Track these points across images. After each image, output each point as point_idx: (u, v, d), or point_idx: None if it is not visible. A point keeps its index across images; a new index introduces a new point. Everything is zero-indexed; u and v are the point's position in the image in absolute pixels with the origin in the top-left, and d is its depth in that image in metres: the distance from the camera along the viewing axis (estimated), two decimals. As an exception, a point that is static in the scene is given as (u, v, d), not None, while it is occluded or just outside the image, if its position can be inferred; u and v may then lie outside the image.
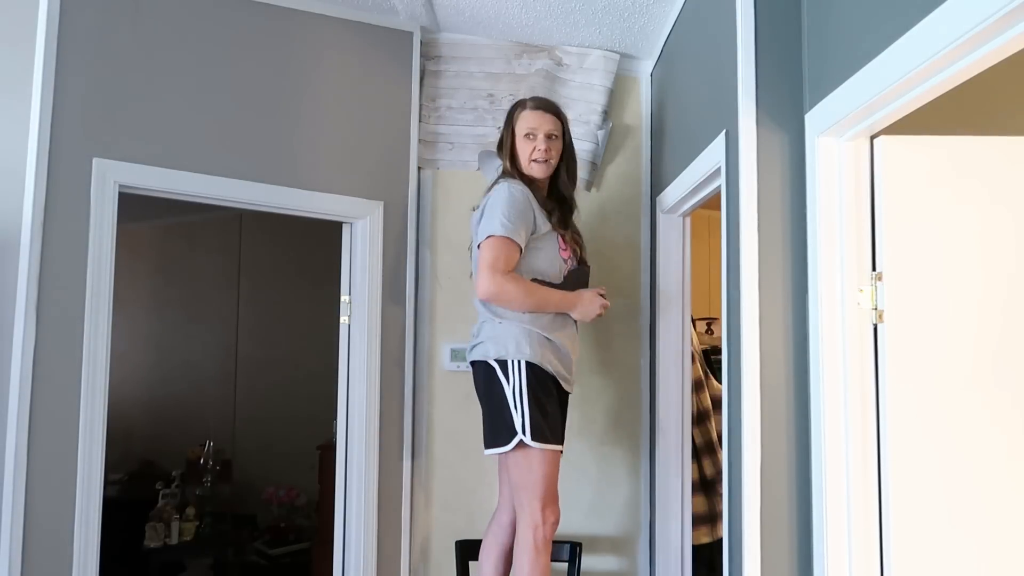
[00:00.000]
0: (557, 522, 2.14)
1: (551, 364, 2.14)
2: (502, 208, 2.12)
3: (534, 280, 2.16)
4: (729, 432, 1.88)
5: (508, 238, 2.10)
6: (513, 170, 2.27)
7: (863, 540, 1.56)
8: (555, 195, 2.33)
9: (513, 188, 2.18)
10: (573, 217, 2.38)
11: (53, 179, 2.07)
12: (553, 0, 2.50)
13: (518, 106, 2.31)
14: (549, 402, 2.13)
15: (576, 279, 2.26)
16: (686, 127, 2.45)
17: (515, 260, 2.13)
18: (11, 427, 1.98)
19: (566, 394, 2.25)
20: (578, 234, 2.37)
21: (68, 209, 2.10)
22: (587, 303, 2.22)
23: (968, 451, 1.53)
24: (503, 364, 2.12)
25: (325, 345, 3.04)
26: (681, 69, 2.53)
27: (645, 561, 2.82)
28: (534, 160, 2.24)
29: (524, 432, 2.06)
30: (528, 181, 2.25)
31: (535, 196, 2.22)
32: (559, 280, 2.21)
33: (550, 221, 2.22)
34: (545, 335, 2.15)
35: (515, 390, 2.10)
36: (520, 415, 2.08)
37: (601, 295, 2.26)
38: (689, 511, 2.74)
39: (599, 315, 2.25)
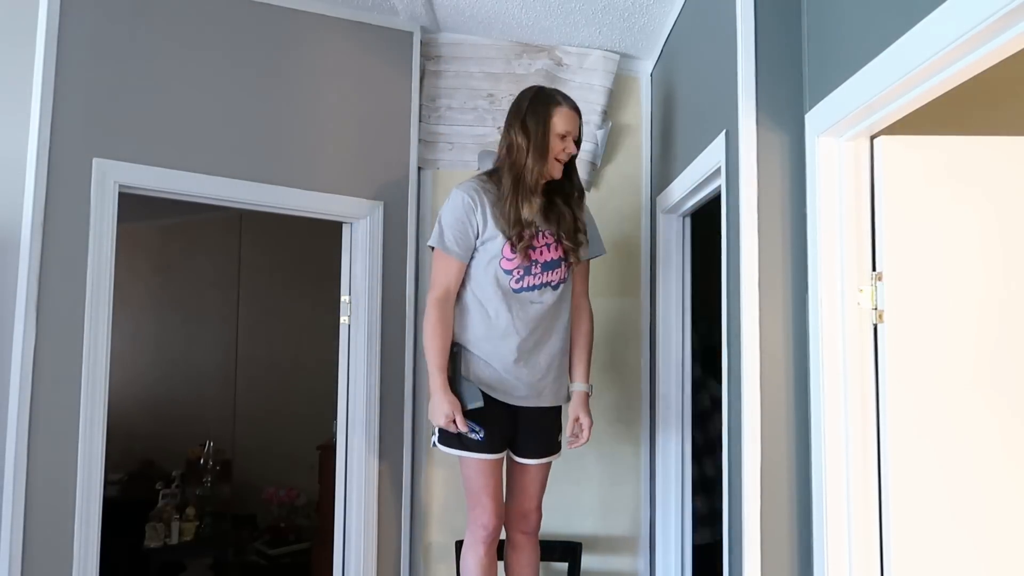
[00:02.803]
0: (486, 528, 2.16)
1: (477, 377, 2.15)
2: (442, 216, 2.19)
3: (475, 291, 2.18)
4: (729, 432, 1.88)
5: (439, 249, 2.18)
6: (533, 163, 2.15)
7: (863, 540, 1.56)
8: (551, 189, 2.23)
9: (457, 193, 2.18)
10: (571, 205, 2.24)
11: (53, 179, 2.07)
12: (553, 0, 2.50)
13: (551, 101, 2.20)
14: (468, 412, 2.15)
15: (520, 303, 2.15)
16: (686, 127, 2.45)
17: (452, 272, 2.17)
18: (11, 427, 1.98)
19: (514, 407, 2.18)
20: (569, 225, 2.21)
21: (68, 209, 2.10)
22: (434, 407, 2.11)
23: (968, 451, 1.53)
24: None
25: (325, 345, 3.04)
26: (681, 69, 2.53)
27: (645, 561, 2.82)
28: (557, 159, 2.19)
29: (433, 434, 2.21)
30: (529, 177, 2.16)
31: (521, 194, 2.14)
32: (495, 291, 2.15)
33: (501, 226, 2.14)
34: (470, 349, 2.17)
35: None
36: None
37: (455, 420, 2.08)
38: (689, 511, 2.74)
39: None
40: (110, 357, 2.15)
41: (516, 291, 2.16)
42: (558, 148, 2.18)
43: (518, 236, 2.13)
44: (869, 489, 1.57)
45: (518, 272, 2.16)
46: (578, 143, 2.26)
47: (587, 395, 2.28)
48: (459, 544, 2.53)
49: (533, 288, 2.17)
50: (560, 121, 2.18)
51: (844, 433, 1.58)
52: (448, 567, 2.65)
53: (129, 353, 4.33)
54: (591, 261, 2.38)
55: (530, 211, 2.14)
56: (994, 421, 1.53)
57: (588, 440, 2.27)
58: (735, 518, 1.82)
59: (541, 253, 2.18)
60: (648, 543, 2.82)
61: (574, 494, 2.78)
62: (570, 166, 2.27)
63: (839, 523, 1.57)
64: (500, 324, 2.15)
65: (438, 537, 2.74)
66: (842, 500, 1.58)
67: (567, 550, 2.57)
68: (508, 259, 2.15)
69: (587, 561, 2.70)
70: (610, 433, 2.84)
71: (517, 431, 2.20)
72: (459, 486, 2.73)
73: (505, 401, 2.17)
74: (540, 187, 2.18)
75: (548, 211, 2.21)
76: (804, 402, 1.70)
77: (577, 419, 2.25)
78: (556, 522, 2.67)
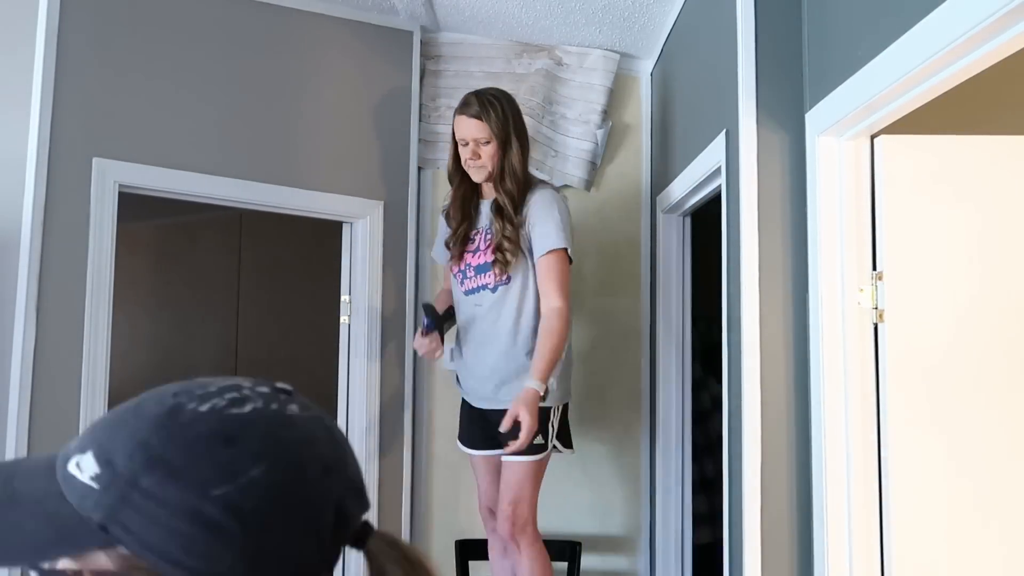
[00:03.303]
0: (484, 520, 2.32)
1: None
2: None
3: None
4: (729, 432, 1.88)
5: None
6: (455, 172, 2.27)
7: (863, 540, 1.56)
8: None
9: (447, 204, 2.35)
10: (512, 211, 2.14)
11: (53, 179, 2.07)
12: (553, 0, 2.50)
13: (457, 108, 2.24)
14: (462, 409, 2.37)
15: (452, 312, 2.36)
16: (686, 126, 2.45)
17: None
18: (11, 427, 1.98)
19: (473, 407, 2.30)
20: (496, 237, 2.14)
21: (68, 208, 2.09)
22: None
23: (968, 450, 1.53)
24: None
25: (325, 345, 3.04)
26: (681, 68, 2.53)
27: (645, 561, 2.82)
28: (468, 166, 2.21)
29: None
30: (451, 183, 2.31)
31: (468, 202, 2.27)
32: (457, 294, 2.32)
33: (454, 235, 2.26)
34: (454, 347, 2.33)
35: None
36: None
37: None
38: (689, 511, 2.74)
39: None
40: (110, 356, 2.15)
41: (465, 294, 2.25)
42: (463, 155, 2.21)
43: (453, 236, 2.24)
44: (869, 489, 1.57)
45: (459, 276, 2.26)
46: (507, 145, 2.15)
47: (536, 393, 2.00)
48: (459, 544, 2.53)
49: (472, 292, 2.22)
50: (456, 129, 2.23)
51: (844, 433, 1.58)
52: (449, 568, 2.65)
53: (129, 352, 4.32)
54: (563, 258, 2.15)
55: (455, 214, 2.26)
56: (994, 420, 1.53)
57: (524, 443, 1.98)
58: (735, 518, 1.82)
59: (476, 256, 2.20)
60: (648, 543, 2.82)
61: (574, 494, 2.78)
62: (499, 176, 2.16)
63: (839, 523, 1.57)
64: (459, 326, 2.31)
65: (438, 537, 2.73)
66: (842, 500, 1.57)
67: (566, 549, 2.57)
68: (454, 268, 2.28)
69: (587, 561, 2.69)
70: (610, 433, 2.84)
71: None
72: (459, 486, 2.74)
73: (470, 402, 2.30)
74: (469, 192, 2.26)
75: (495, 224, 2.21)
76: (804, 402, 1.70)
77: (516, 415, 1.97)
78: (556, 521, 2.67)
